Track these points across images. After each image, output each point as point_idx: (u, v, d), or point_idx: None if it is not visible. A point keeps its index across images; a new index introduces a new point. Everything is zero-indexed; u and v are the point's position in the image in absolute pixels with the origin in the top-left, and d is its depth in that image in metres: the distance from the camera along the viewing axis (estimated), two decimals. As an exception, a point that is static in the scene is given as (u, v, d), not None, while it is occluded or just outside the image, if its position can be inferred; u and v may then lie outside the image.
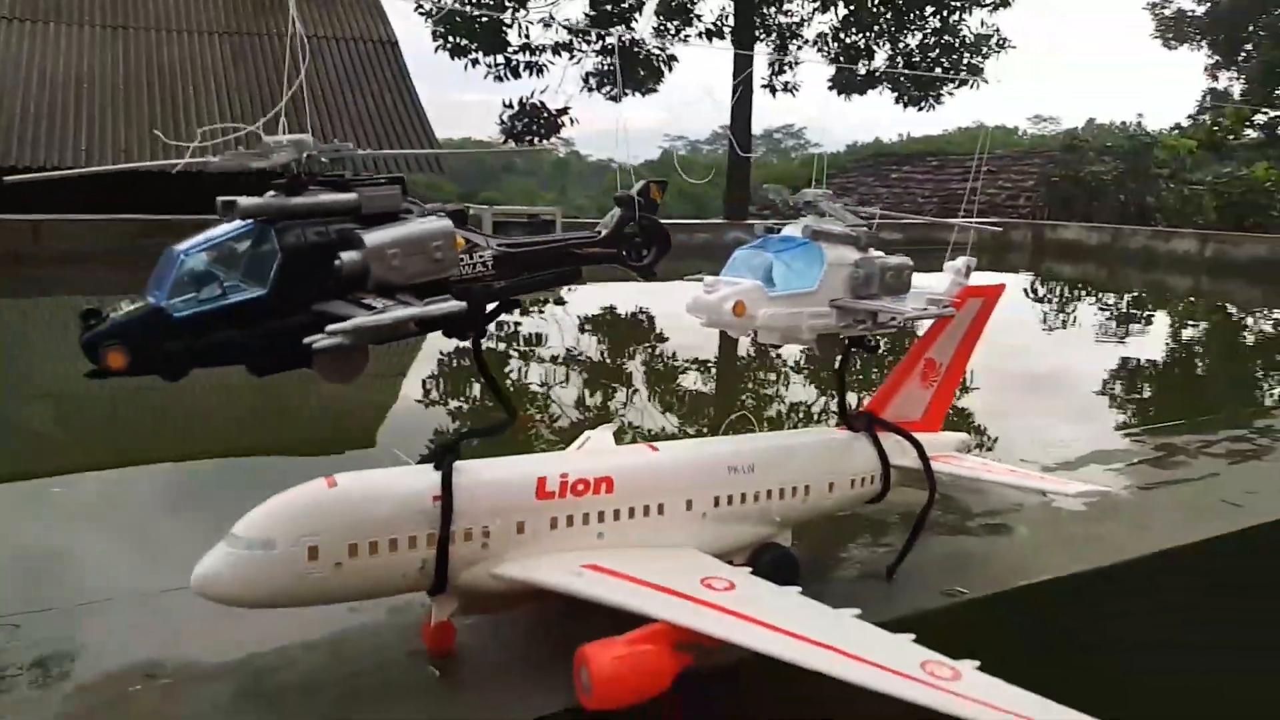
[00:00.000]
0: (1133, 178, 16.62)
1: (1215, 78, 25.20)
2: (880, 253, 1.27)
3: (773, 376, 5.52)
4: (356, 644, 1.12)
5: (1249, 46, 23.71)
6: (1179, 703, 0.86)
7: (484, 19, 16.61)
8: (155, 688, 1.02)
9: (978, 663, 0.93)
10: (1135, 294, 10.41)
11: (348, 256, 0.94)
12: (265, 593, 0.98)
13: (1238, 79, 24.59)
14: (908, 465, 1.36)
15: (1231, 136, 20.71)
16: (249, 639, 1.12)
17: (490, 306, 1.04)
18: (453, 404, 4.80)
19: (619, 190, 1.27)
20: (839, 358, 1.34)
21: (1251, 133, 22.45)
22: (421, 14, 16.24)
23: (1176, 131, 20.72)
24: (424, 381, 4.99)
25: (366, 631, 1.14)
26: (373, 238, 0.96)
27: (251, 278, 0.93)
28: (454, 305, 0.96)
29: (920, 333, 1.44)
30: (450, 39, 16.53)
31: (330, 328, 0.90)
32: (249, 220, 0.95)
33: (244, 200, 0.95)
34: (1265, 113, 22.41)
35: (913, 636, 0.98)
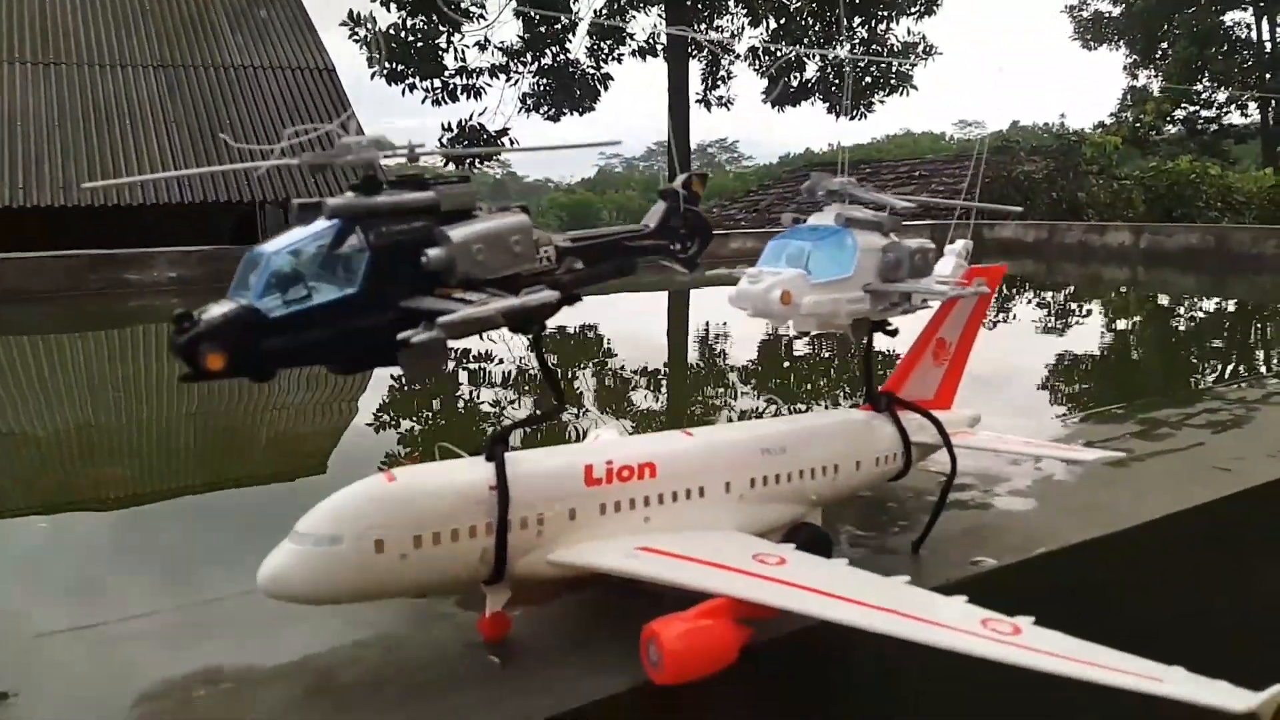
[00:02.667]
0: (1063, 175, 17.09)
1: (1135, 76, 26.07)
2: (899, 237, 1.32)
3: (720, 389, 5.59)
4: (410, 641, 1.12)
5: (1165, 45, 24.59)
6: (1208, 650, 0.90)
7: (420, 44, 16.59)
8: (219, 692, 1.01)
9: (1033, 618, 0.96)
10: (1072, 288, 10.67)
11: (434, 253, 0.95)
12: (333, 588, 0.97)
13: (1156, 77, 25.48)
14: (927, 442, 1.41)
15: (1154, 132, 21.45)
16: (299, 644, 1.12)
17: (555, 299, 1.05)
18: (405, 425, 4.73)
19: (662, 185, 1.30)
20: (865, 342, 1.37)
21: (1171, 128, 23.31)
22: (355, 41, 16.14)
23: (1101, 129, 21.41)
24: (375, 411, 4.91)
25: (418, 630, 1.15)
26: (457, 234, 0.96)
27: (340, 277, 0.93)
28: (548, 295, 0.97)
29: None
30: (386, 65, 16.45)
31: (441, 320, 0.90)
32: (334, 220, 0.95)
33: (331, 200, 0.95)
34: (1185, 107, 23.28)
35: (966, 598, 1.02)
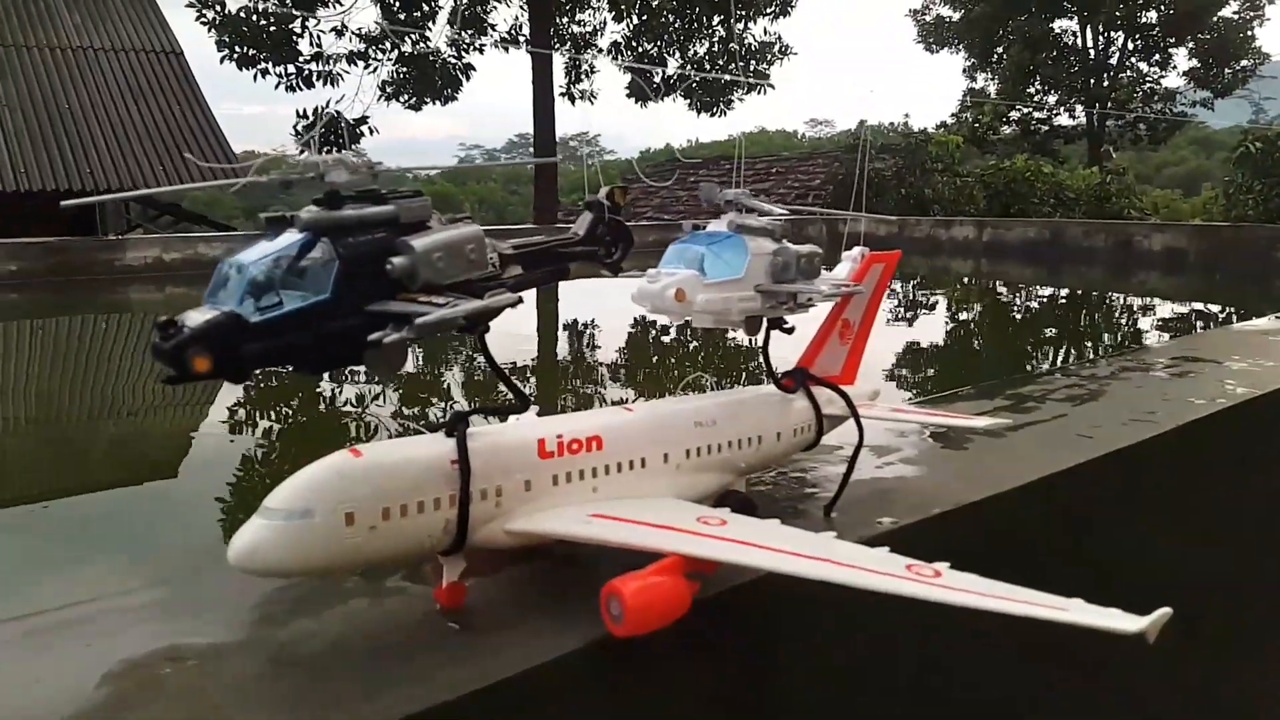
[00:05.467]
0: (910, 173, 17.97)
1: (973, 79, 27.57)
2: (790, 243, 1.44)
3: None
4: (368, 614, 1.15)
5: (1000, 50, 26.11)
6: (1086, 591, 1.04)
7: (272, 28, 15.96)
8: (186, 668, 1.03)
9: (949, 563, 1.08)
10: (919, 279, 11.22)
11: (399, 261, 1.00)
12: (305, 560, 0.99)
13: (992, 80, 27.03)
14: (836, 414, 1.53)
15: (991, 132, 22.81)
16: (253, 622, 1.14)
17: (514, 300, 1.12)
18: (264, 426, 4.60)
19: (587, 196, 1.38)
20: (763, 337, 1.49)
21: (1007, 129, 24.84)
22: (204, 24, 15.38)
23: (943, 129, 22.60)
24: (230, 409, 4.76)
25: (373, 604, 1.18)
26: (420, 243, 1.01)
27: (313, 284, 0.97)
28: (509, 298, 1.03)
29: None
30: (236, 49, 15.75)
31: (418, 321, 0.95)
32: (305, 232, 0.99)
33: (304, 215, 0.99)
34: (1019, 109, 24.83)
35: (888, 548, 1.13)
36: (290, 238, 0.98)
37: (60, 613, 1.19)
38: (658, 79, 17.74)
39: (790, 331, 1.49)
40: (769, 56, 18.27)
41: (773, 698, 1.29)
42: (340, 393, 5.01)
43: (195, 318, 0.94)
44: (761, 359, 1.52)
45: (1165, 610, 0.91)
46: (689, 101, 18.38)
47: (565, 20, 18.19)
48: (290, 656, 1.05)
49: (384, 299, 1.00)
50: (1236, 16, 24.58)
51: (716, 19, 17.78)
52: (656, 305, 1.36)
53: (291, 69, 16.34)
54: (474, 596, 1.17)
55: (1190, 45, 24.99)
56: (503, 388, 1.20)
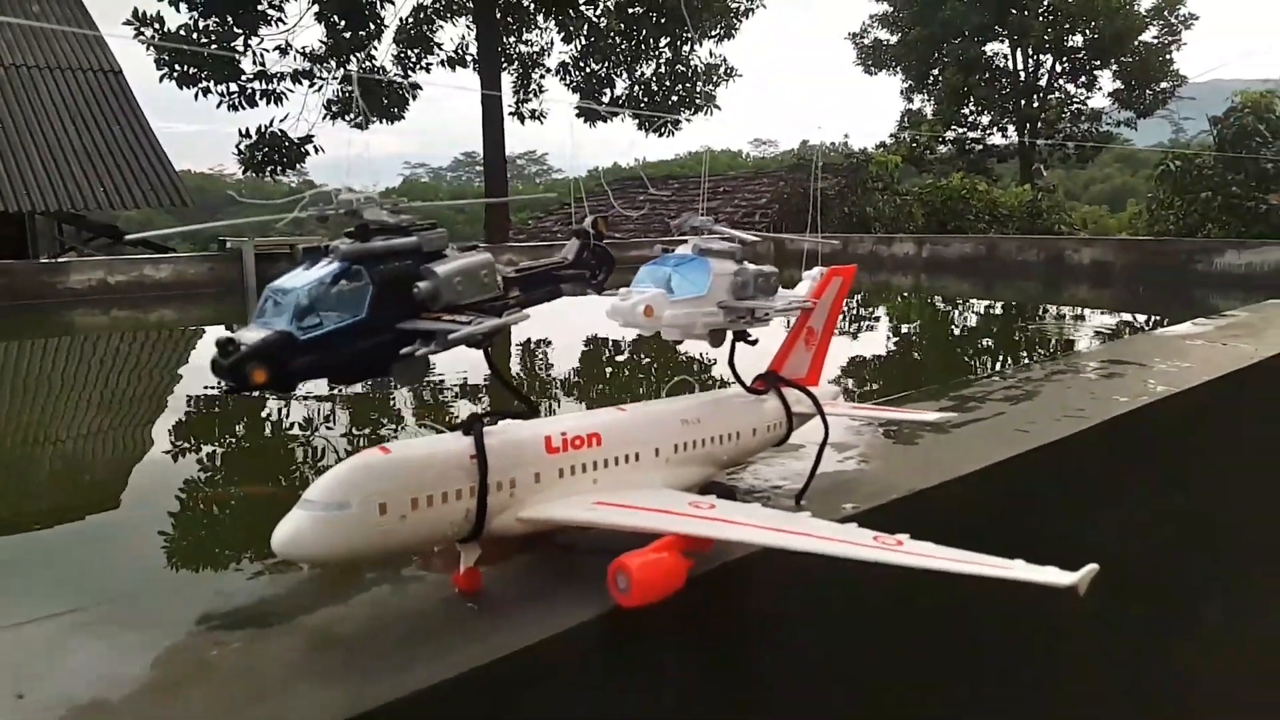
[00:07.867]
0: (852, 191, 18.41)
1: (911, 100, 28.33)
2: (749, 264, 1.60)
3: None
4: (389, 601, 1.26)
5: (936, 72, 26.89)
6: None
7: (214, 46, 15.87)
8: (233, 650, 1.13)
9: (908, 535, 1.24)
10: (863, 294, 11.51)
11: (424, 285, 1.13)
12: (344, 547, 1.10)
13: (929, 101, 27.81)
14: (804, 412, 1.68)
15: (928, 152, 23.45)
16: (284, 611, 1.24)
17: (528, 318, 1.25)
18: (207, 449, 4.58)
19: (574, 225, 1.52)
20: (729, 348, 1.65)
21: (943, 148, 25.56)
22: (143, 43, 15.24)
23: (882, 149, 23.17)
24: (170, 431, 4.75)
25: (395, 591, 1.29)
26: (443, 270, 1.14)
27: (349, 306, 1.10)
28: (523, 315, 1.16)
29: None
30: (176, 68, 15.63)
31: (451, 336, 1.08)
32: (344, 261, 1.12)
33: (343, 246, 1.11)
34: (954, 129, 25.58)
35: (856, 524, 1.28)
36: (327, 266, 1.11)
37: (99, 609, 1.28)
38: (604, 104, 17.95)
39: (753, 344, 1.64)
40: (714, 78, 18.63)
41: (757, 659, 1.43)
42: (286, 415, 5.04)
43: (251, 336, 1.06)
44: (729, 368, 1.67)
45: (1093, 566, 1.07)
46: (637, 122, 18.63)
47: (513, 40, 18.34)
48: (326, 638, 1.16)
49: (410, 318, 1.14)
50: (1156, 41, 25.65)
51: (663, 40, 18.10)
52: (628, 320, 1.51)
53: (234, 88, 16.25)
54: (488, 580, 1.29)
55: (1114, 68, 25.99)
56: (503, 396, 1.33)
